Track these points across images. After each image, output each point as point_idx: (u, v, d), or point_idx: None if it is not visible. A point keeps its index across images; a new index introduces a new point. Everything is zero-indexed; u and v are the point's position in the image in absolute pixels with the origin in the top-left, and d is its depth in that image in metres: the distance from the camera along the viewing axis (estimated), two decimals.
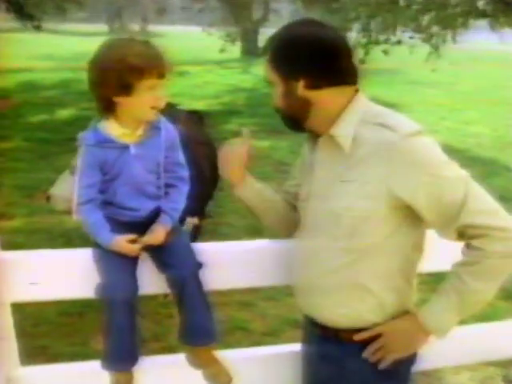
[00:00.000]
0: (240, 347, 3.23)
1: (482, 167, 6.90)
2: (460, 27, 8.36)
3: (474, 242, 1.39)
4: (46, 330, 3.31)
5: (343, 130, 1.44)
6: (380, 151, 1.38)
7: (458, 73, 16.72)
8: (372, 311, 1.49)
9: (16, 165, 6.54)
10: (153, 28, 35.05)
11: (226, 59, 18.55)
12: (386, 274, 1.47)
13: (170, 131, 1.60)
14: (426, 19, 8.00)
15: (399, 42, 8.80)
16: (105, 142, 1.52)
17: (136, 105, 1.49)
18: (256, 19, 22.12)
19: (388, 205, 1.39)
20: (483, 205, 1.38)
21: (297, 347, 1.71)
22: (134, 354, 1.59)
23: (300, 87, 1.42)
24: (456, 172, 1.40)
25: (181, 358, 1.66)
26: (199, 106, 10.84)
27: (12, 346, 1.67)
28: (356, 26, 8.50)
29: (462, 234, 1.41)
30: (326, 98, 1.44)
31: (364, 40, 8.51)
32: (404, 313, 1.51)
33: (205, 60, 18.20)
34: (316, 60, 1.41)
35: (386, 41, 8.56)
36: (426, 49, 9.25)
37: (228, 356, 1.67)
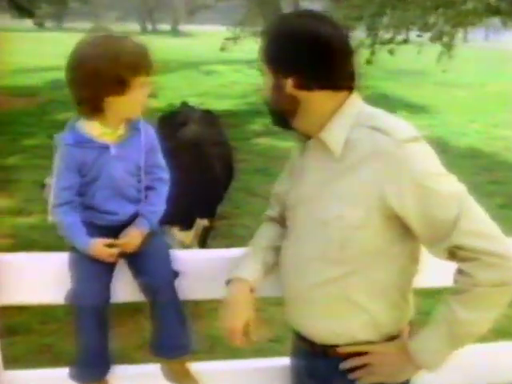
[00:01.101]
0: (243, 352, 3.19)
1: (511, 171, 6.71)
2: (471, 25, 8.02)
3: (464, 267, 1.27)
4: (53, 329, 3.31)
5: (334, 134, 1.33)
6: (372, 157, 1.28)
7: (488, 74, 16.33)
8: (364, 329, 1.38)
9: (38, 162, 6.60)
10: (183, 27, 35.32)
11: (255, 59, 18.47)
12: (380, 288, 1.36)
13: (150, 132, 1.54)
14: (433, 17, 7.70)
15: (405, 41, 8.54)
16: (84, 141, 1.46)
17: (129, 103, 1.43)
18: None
19: (380, 214, 1.29)
20: (477, 226, 1.26)
21: (285, 361, 1.62)
22: (103, 364, 1.53)
23: (288, 85, 1.32)
24: (451, 187, 1.28)
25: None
26: (225, 105, 10.84)
27: None
28: (360, 25, 8.26)
29: (452, 255, 1.29)
30: (316, 99, 1.33)
31: (369, 40, 8.28)
32: (399, 334, 1.40)
33: (233, 60, 18.22)
34: (309, 59, 1.30)
35: (392, 40, 8.30)
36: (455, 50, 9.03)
37: (214, 368, 1.60)
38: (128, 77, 1.39)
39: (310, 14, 1.36)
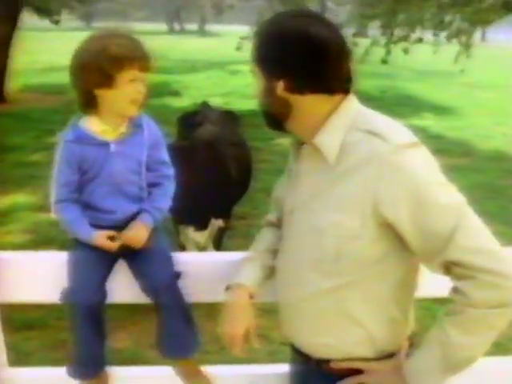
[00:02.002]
0: (257, 355, 3.17)
1: None
2: (489, 23, 7.73)
3: (459, 285, 1.18)
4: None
5: (328, 140, 1.26)
6: (367, 162, 1.20)
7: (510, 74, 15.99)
8: (359, 345, 1.31)
9: None
10: (210, 27, 35.46)
11: None
12: (376, 302, 1.29)
13: (153, 129, 1.53)
14: (449, 14, 7.46)
15: (420, 40, 8.33)
16: (84, 138, 1.47)
17: (117, 98, 1.44)
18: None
19: (376, 223, 1.21)
20: (475, 241, 1.17)
21: (285, 368, 1.59)
22: (98, 362, 1.54)
23: (279, 88, 1.26)
24: (450, 197, 1.19)
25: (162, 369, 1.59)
26: (249, 105, 10.82)
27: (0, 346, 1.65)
28: (373, 24, 8.07)
29: (448, 271, 1.21)
30: (309, 103, 1.27)
31: (383, 38, 8.07)
32: (396, 350, 1.34)
33: None
34: (300, 61, 1.23)
35: (407, 39, 8.08)
36: (483, 50, 8.84)
37: (216, 372, 1.59)
38: (111, 71, 1.41)
39: (306, 14, 1.28)
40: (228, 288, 1.43)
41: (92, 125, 1.48)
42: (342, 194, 1.24)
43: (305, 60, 1.23)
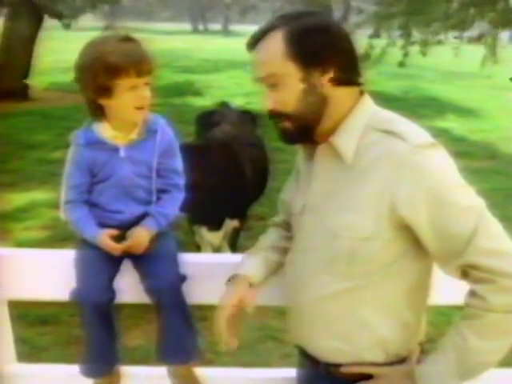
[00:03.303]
0: (269, 357, 3.16)
1: None
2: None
3: (477, 289, 1.16)
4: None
5: (346, 139, 1.24)
6: (385, 162, 1.18)
7: None
8: (370, 349, 1.29)
9: None
10: (234, 27, 35.53)
11: None
12: (388, 305, 1.27)
13: (167, 135, 1.51)
14: (470, 14, 7.22)
15: (439, 42, 8.14)
16: (95, 142, 1.46)
17: (119, 107, 1.41)
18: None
19: (392, 225, 1.19)
20: (495, 244, 1.15)
21: (291, 373, 1.56)
22: (108, 360, 1.53)
23: (325, 81, 1.22)
24: (469, 199, 1.18)
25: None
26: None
27: (7, 341, 1.66)
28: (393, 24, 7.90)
29: (465, 275, 1.19)
30: (340, 98, 1.25)
31: (401, 40, 7.88)
32: (408, 355, 1.30)
33: None
34: (346, 51, 1.24)
35: (424, 40, 7.89)
36: (510, 51, 8.65)
37: (218, 375, 1.57)
38: (109, 81, 1.37)
39: (318, 13, 1.30)
40: (229, 281, 1.42)
41: (103, 129, 1.47)
42: (357, 195, 1.22)
43: (349, 50, 1.25)
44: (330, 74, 1.22)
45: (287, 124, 1.27)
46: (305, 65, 1.22)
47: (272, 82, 1.25)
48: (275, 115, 1.28)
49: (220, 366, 2.31)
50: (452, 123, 9.38)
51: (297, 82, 1.23)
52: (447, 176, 1.19)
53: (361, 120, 1.25)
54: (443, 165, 1.20)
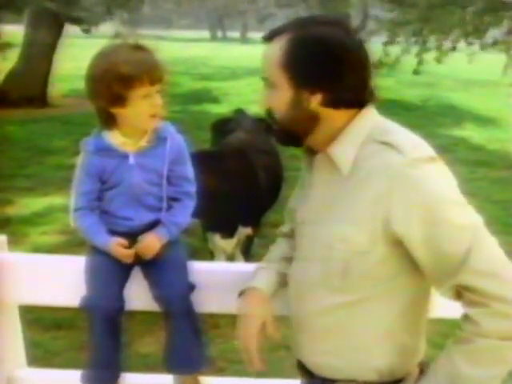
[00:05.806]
0: (280, 366, 3.13)
1: None
2: None
3: (470, 312, 1.11)
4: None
5: (343, 150, 1.20)
6: (380, 174, 1.14)
7: None
8: (364, 370, 1.24)
9: None
10: (252, 35, 35.65)
11: None
12: (386, 326, 1.21)
13: (177, 142, 1.51)
14: (485, 21, 7.06)
15: (454, 49, 8.02)
16: (105, 149, 1.47)
17: (132, 116, 1.42)
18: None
19: (387, 240, 1.15)
20: (490, 265, 1.10)
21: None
22: (112, 370, 1.53)
23: (313, 101, 1.18)
24: (465, 218, 1.12)
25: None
26: None
27: (17, 345, 1.67)
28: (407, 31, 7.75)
29: (459, 296, 1.14)
30: (336, 116, 1.20)
31: (416, 47, 7.68)
32: (404, 377, 1.25)
33: None
34: (343, 73, 1.16)
35: (439, 47, 7.72)
36: None
37: None
38: (121, 91, 1.37)
39: (333, 22, 1.20)
40: (241, 294, 1.40)
41: (113, 136, 1.48)
42: (353, 207, 1.18)
43: (348, 72, 1.17)
44: (319, 97, 1.18)
45: (275, 126, 1.26)
46: (294, 81, 1.19)
47: (269, 83, 1.23)
48: (269, 114, 1.26)
49: (232, 374, 2.30)
50: (471, 132, 9.28)
51: (286, 93, 1.20)
52: (443, 192, 1.13)
53: (361, 131, 1.21)
54: (440, 180, 1.14)
